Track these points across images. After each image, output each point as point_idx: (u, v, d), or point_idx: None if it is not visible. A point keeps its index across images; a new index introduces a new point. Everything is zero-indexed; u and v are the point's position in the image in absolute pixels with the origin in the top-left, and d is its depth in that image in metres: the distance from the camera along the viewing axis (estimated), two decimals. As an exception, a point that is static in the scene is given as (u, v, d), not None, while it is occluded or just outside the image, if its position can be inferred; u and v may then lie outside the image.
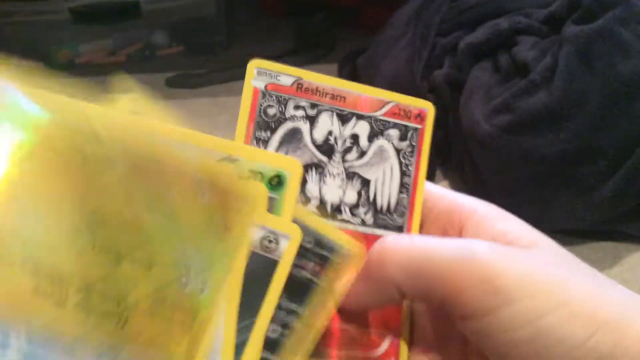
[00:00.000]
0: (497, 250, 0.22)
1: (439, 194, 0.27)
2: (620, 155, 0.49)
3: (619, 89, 0.48)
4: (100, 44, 0.88)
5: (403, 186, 0.26)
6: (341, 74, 0.81)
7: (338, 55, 0.85)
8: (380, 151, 0.26)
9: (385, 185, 0.26)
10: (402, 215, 0.26)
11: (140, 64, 0.89)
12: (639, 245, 0.54)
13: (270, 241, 0.21)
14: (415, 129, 0.26)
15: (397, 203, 0.26)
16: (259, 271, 0.20)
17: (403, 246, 0.22)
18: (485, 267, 0.21)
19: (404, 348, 0.25)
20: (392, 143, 0.26)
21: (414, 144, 0.26)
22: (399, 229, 0.26)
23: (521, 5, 0.62)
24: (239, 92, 0.88)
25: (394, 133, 0.26)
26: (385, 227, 0.26)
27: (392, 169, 0.26)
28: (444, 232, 0.26)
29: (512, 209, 0.55)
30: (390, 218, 0.25)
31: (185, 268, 0.18)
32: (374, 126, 0.26)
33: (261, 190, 0.20)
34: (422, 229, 0.27)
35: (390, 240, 0.23)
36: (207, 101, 0.79)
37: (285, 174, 0.22)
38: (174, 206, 0.19)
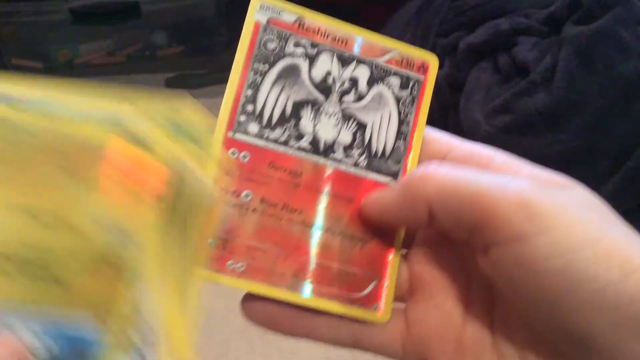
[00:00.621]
0: (535, 184, 0.21)
1: (453, 141, 0.26)
2: (620, 155, 0.49)
3: (619, 90, 0.48)
4: (100, 44, 0.88)
5: (400, 134, 0.26)
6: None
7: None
8: (380, 96, 0.26)
9: (382, 130, 0.26)
10: (397, 162, 0.26)
11: (140, 64, 0.89)
12: (638, 246, 0.54)
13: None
14: (417, 80, 0.26)
15: (393, 150, 0.26)
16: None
17: (444, 169, 0.22)
18: (524, 194, 0.20)
19: (389, 293, 0.25)
20: (392, 90, 0.26)
21: (414, 94, 0.26)
22: (394, 175, 0.25)
23: (521, 5, 0.62)
24: (238, 93, 0.85)
25: (394, 81, 0.26)
26: (379, 171, 0.25)
27: (390, 116, 0.26)
28: None
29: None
30: (385, 163, 0.25)
31: (108, 230, 0.18)
32: (375, 72, 0.26)
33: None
34: None
35: (433, 164, 0.23)
36: (207, 101, 0.79)
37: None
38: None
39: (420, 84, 0.27)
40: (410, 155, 0.26)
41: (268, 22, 0.26)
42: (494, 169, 0.24)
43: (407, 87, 0.26)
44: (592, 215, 0.21)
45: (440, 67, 0.63)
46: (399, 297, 0.26)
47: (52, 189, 0.18)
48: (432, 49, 0.63)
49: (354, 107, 0.25)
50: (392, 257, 0.25)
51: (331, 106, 0.25)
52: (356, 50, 0.26)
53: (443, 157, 0.25)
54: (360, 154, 0.25)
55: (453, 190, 0.22)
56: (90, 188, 0.18)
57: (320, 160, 0.25)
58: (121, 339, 0.19)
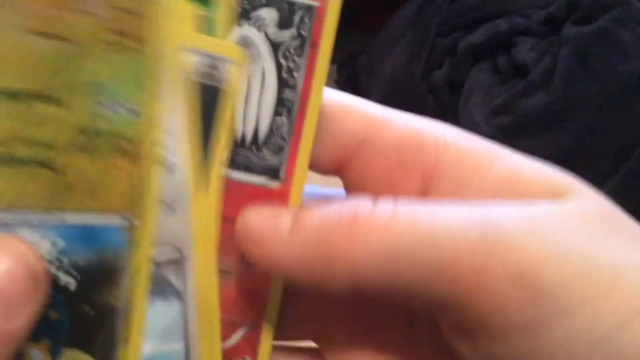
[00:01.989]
0: (530, 223, 0.14)
1: (377, 116, 0.17)
2: (619, 156, 0.49)
3: (618, 90, 0.48)
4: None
5: (282, 104, 0.16)
6: (340, 75, 0.81)
7: (337, 56, 0.85)
8: (244, 43, 0.16)
9: (251, 101, 0.16)
10: (277, 151, 0.16)
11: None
12: (638, 246, 0.54)
13: (210, 67, 0.15)
14: (309, 8, 0.16)
15: (271, 131, 0.16)
16: (202, 101, 0.16)
17: (383, 221, 0.14)
18: (514, 257, 0.13)
19: (265, 343, 0.17)
20: (266, 32, 0.16)
21: (303, 33, 0.17)
22: (272, 173, 0.16)
23: (520, 6, 0.62)
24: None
25: (268, 15, 0.16)
26: (249, 168, 0.16)
27: (262, 76, 0.16)
28: (392, 184, 0.17)
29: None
30: (256, 154, 0.16)
31: (101, 92, 0.16)
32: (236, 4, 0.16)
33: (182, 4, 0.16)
34: (347, 174, 0.17)
35: (363, 212, 0.14)
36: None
37: None
38: (68, 26, 0.16)
39: (312, 14, 0.17)
40: (301, 141, 0.17)
41: None
42: (449, 170, 0.16)
43: (291, 25, 0.16)
44: (607, 246, 0.14)
45: (440, 67, 0.63)
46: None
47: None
48: (432, 49, 0.63)
49: None
50: (272, 294, 0.17)
51: None
52: None
53: (360, 144, 0.17)
54: None
55: (407, 260, 0.14)
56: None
57: None
58: (144, 231, 0.16)
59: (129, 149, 0.16)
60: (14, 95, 0.15)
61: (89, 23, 0.16)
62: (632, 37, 0.49)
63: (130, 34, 0.16)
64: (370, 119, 0.17)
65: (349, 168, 0.17)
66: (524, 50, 0.56)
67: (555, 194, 0.16)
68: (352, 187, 0.18)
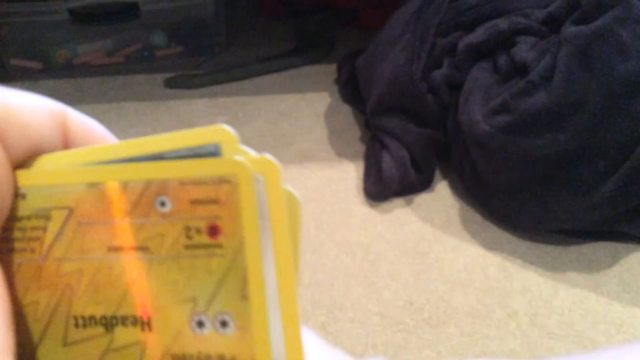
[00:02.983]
0: None
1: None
2: (619, 155, 0.49)
3: (618, 90, 0.48)
4: (99, 44, 0.88)
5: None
6: (340, 75, 0.81)
7: (337, 56, 0.85)
8: None
9: None
10: None
11: (139, 64, 0.89)
12: (638, 246, 0.54)
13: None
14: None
15: None
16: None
17: None
18: None
19: None
20: None
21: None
22: None
23: (520, 5, 0.62)
24: (238, 93, 0.88)
25: None
26: None
27: None
28: None
29: (511, 209, 0.55)
30: None
31: (191, 303, 0.15)
32: None
33: (247, 169, 0.15)
34: None
35: None
36: (206, 102, 0.79)
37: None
38: (150, 235, 0.15)
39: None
40: None
41: None
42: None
43: None
44: None
45: (440, 67, 0.63)
46: None
47: None
48: (431, 49, 0.63)
49: None
50: None
51: None
52: None
53: None
54: None
55: None
56: None
57: None
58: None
59: None
60: (99, 321, 0.15)
61: (165, 226, 0.15)
62: (632, 37, 0.49)
63: (207, 229, 0.15)
64: None
65: None
66: (524, 50, 0.56)
67: None
68: None
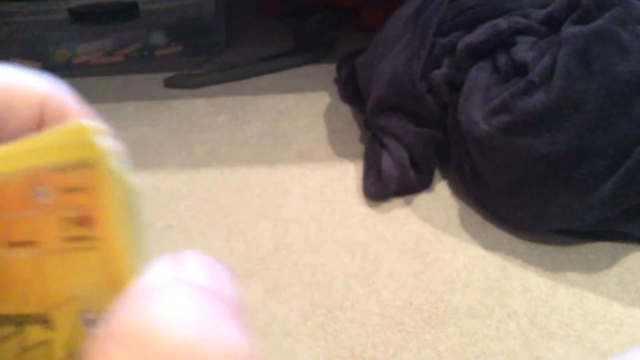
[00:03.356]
0: None
1: None
2: (619, 155, 0.49)
3: (618, 90, 0.48)
4: (98, 44, 0.88)
5: None
6: (339, 74, 0.81)
7: (337, 56, 0.85)
8: None
9: None
10: None
11: (139, 64, 0.89)
12: (638, 246, 0.54)
13: None
14: None
15: None
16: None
17: None
18: None
19: None
20: None
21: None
22: None
23: (520, 5, 0.62)
24: (237, 92, 0.88)
25: None
26: None
27: None
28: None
29: (511, 209, 0.55)
30: None
31: (79, 300, 0.15)
32: None
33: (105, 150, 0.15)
34: None
35: None
36: (206, 101, 0.79)
37: None
38: (31, 228, 0.15)
39: None
40: None
41: None
42: None
43: None
44: None
45: (439, 67, 0.63)
46: None
47: None
48: (431, 48, 0.63)
49: None
50: None
51: None
52: None
53: None
54: None
55: None
56: None
57: None
58: None
59: None
60: (8, 320, 0.15)
61: (46, 218, 0.15)
62: (632, 37, 0.49)
63: (83, 219, 0.15)
64: None
65: None
66: (524, 50, 0.56)
67: None
68: None
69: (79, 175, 0.15)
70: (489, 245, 0.55)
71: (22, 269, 0.15)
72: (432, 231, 0.57)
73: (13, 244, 0.15)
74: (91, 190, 0.15)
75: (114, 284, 0.15)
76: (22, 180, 0.15)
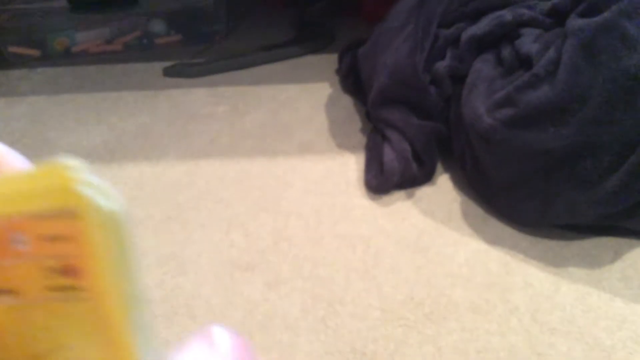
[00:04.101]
0: None
1: None
2: (624, 150, 0.48)
3: (624, 83, 0.47)
4: (97, 32, 0.87)
5: None
6: (341, 65, 0.80)
7: (338, 46, 0.84)
8: None
9: None
10: None
11: (138, 52, 0.88)
12: (640, 241, 0.53)
13: None
14: None
15: None
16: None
17: None
18: None
19: None
20: None
21: None
22: None
23: (525, -3, 0.62)
24: (238, 82, 0.87)
25: None
26: None
27: None
28: None
29: (513, 203, 0.55)
30: None
31: (67, 350, 0.15)
32: None
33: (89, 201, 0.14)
34: None
35: None
36: (206, 91, 0.79)
37: None
38: (13, 276, 0.14)
39: None
40: None
41: None
42: None
43: None
44: None
45: (442, 58, 0.63)
46: None
47: None
48: (434, 40, 0.62)
49: None
50: None
51: None
52: None
53: None
54: None
55: None
56: None
57: None
58: None
59: None
60: None
61: (26, 266, 0.14)
62: (638, 30, 0.48)
63: (67, 269, 0.14)
64: None
65: None
66: (528, 42, 0.56)
67: None
68: None
69: (61, 224, 0.14)
70: (491, 240, 0.54)
71: (2, 318, 0.15)
72: (434, 225, 0.56)
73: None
74: (75, 240, 0.14)
75: (105, 336, 0.14)
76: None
